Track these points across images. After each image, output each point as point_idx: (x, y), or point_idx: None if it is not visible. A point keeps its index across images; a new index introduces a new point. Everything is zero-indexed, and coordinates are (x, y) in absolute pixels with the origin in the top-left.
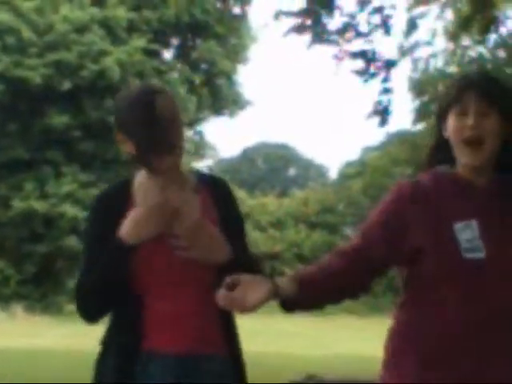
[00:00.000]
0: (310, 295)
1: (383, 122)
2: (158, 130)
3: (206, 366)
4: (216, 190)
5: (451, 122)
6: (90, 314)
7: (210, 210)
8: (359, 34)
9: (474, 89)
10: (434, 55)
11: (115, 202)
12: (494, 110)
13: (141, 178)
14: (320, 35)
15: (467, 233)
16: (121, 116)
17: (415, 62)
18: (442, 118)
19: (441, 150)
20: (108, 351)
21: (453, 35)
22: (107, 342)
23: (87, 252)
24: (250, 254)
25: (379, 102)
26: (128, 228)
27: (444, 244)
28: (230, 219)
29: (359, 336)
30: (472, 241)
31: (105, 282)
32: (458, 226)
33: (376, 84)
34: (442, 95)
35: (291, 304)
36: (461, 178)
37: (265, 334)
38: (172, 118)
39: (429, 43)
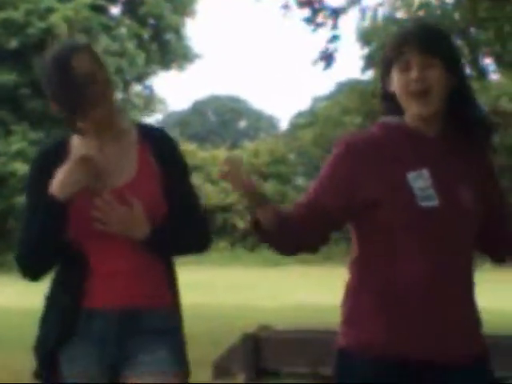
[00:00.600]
0: (283, 232)
1: (327, 66)
2: (76, 91)
3: (146, 321)
4: (158, 142)
5: (395, 77)
6: (31, 271)
7: (149, 164)
8: None
9: (415, 42)
10: (381, 3)
11: (53, 160)
12: (436, 60)
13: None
14: None
15: (420, 182)
16: (43, 79)
17: (363, 11)
18: (385, 72)
19: (388, 102)
20: (51, 308)
21: None
22: (50, 299)
23: (26, 209)
24: (194, 204)
25: (325, 51)
26: (55, 184)
27: (400, 193)
28: (173, 171)
29: (313, 285)
30: (425, 189)
31: (42, 237)
32: (411, 175)
33: (325, 34)
34: (383, 50)
35: (265, 233)
36: (410, 129)
37: (218, 286)
38: (91, 74)
39: None
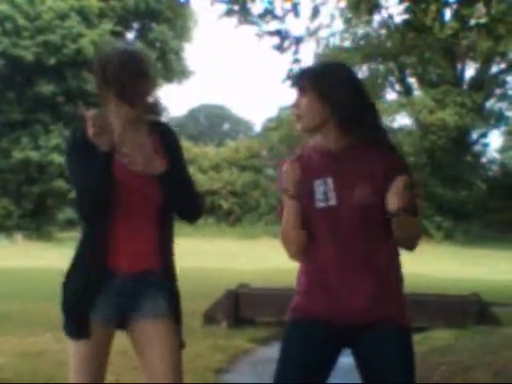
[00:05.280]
0: None
1: (293, 84)
2: (139, 81)
3: (151, 278)
4: (165, 134)
5: None
6: (91, 210)
7: (159, 147)
8: (275, 17)
9: (296, 82)
10: (332, 34)
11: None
12: (306, 92)
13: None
14: (245, 18)
15: (322, 187)
16: (109, 65)
17: (319, 40)
18: None
19: None
20: (77, 269)
21: (347, 19)
22: (77, 261)
23: (76, 169)
24: (192, 181)
25: (290, 70)
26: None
27: (307, 197)
28: (176, 157)
29: (279, 253)
30: (326, 193)
31: (102, 180)
32: (316, 182)
33: (289, 57)
34: None
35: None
36: (321, 147)
37: (207, 253)
38: (145, 72)
39: (329, 25)
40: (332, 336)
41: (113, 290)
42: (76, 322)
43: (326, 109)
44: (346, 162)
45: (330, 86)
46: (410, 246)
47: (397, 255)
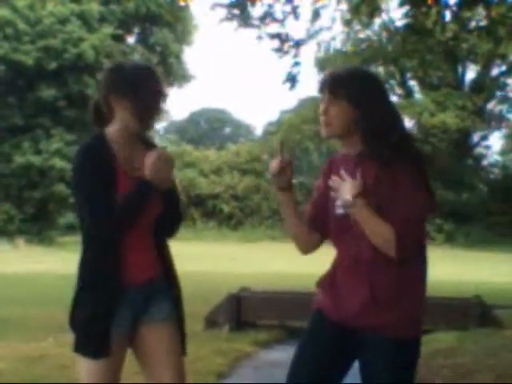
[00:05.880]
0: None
1: (292, 87)
2: (159, 100)
3: (156, 285)
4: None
5: None
6: (113, 236)
7: None
8: (275, 20)
9: (325, 88)
10: (333, 38)
11: (100, 153)
12: (338, 99)
13: (111, 133)
14: (245, 21)
15: None
16: (129, 81)
17: (319, 43)
18: None
19: None
20: (94, 289)
21: (347, 22)
22: (92, 280)
23: (92, 195)
24: (179, 197)
25: (289, 73)
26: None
27: (330, 202)
28: None
29: (280, 257)
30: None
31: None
32: None
33: (289, 61)
34: None
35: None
36: (343, 152)
37: (209, 257)
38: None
39: (329, 28)
40: (343, 338)
41: (127, 302)
42: (97, 342)
43: (354, 117)
44: (358, 168)
45: (363, 94)
46: (381, 246)
47: (414, 270)
